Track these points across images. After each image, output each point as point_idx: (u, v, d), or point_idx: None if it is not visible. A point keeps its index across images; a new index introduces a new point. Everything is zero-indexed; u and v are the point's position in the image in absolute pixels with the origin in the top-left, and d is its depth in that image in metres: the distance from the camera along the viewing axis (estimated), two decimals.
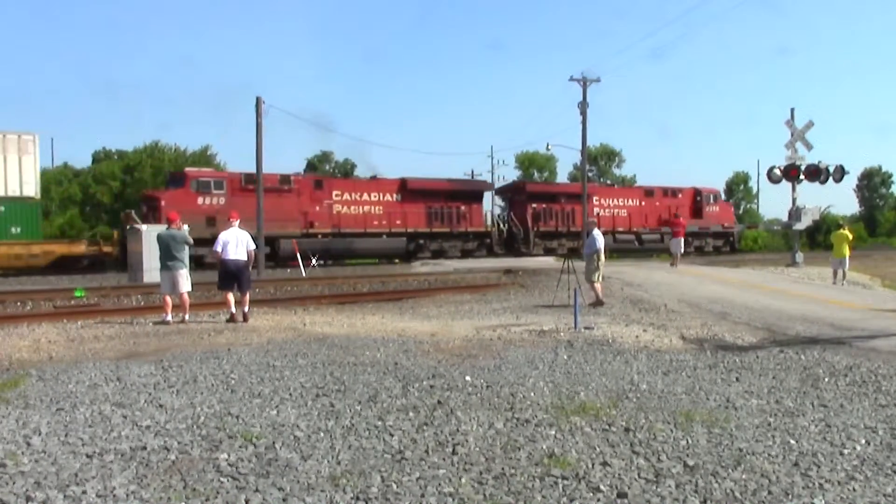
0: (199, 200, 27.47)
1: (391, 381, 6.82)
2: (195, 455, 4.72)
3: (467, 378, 6.93)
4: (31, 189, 24.38)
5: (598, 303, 13.52)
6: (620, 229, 38.47)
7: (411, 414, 5.68)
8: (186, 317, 11.64)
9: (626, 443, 5.00)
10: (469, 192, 34.45)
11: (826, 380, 7.18)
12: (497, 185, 42.30)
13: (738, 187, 74.64)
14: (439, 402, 6.06)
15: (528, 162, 65.68)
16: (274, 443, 4.97)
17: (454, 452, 4.78)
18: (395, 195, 31.83)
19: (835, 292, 16.61)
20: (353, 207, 30.92)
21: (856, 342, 9.55)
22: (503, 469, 4.47)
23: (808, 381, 7.19)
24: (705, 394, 6.64)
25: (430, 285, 18.31)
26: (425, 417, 5.59)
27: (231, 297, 11.53)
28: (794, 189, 25.58)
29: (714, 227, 41.15)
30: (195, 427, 5.36)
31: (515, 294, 16.09)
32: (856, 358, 8.36)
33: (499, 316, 12.21)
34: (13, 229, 24.18)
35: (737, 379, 7.30)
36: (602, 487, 4.20)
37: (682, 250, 24.14)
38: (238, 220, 11.88)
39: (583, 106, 34.29)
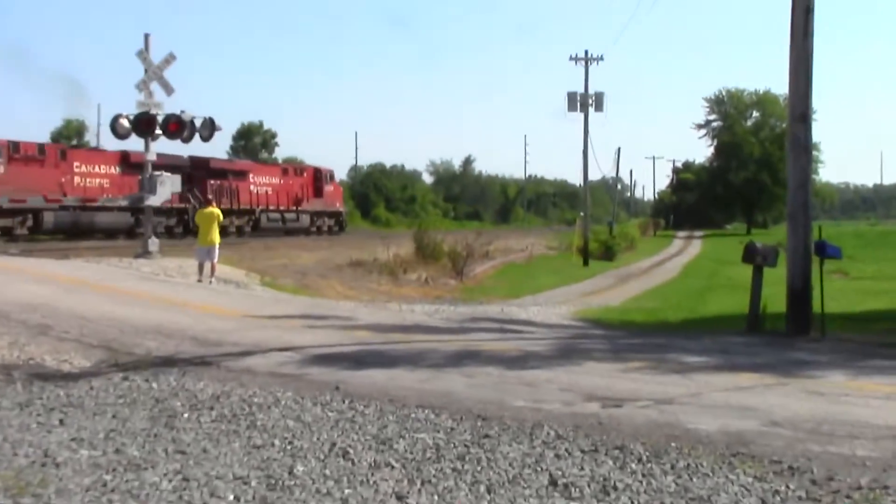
0: None
1: None
2: None
3: None
4: None
5: None
6: (272, 208, 51.01)
7: None
8: None
9: None
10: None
11: (185, 416, 7.95)
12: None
13: None
14: None
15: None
16: None
17: None
18: (117, 167, 41.80)
19: (201, 293, 18.33)
20: (90, 180, 40.68)
21: (226, 362, 10.70)
22: None
23: (161, 418, 7.84)
24: (11, 446, 6.64)
25: None
26: None
27: None
28: (147, 147, 25.74)
29: (331, 207, 56.01)
30: None
31: None
32: (225, 383, 9.41)
33: None
34: None
35: (61, 422, 7.52)
36: None
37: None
38: None
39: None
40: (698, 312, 20.49)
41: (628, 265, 46.51)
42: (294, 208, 52.77)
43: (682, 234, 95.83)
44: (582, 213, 53.28)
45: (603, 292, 28.17)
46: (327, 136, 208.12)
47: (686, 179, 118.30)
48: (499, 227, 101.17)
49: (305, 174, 55.08)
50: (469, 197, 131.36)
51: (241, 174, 49.86)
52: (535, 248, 51.81)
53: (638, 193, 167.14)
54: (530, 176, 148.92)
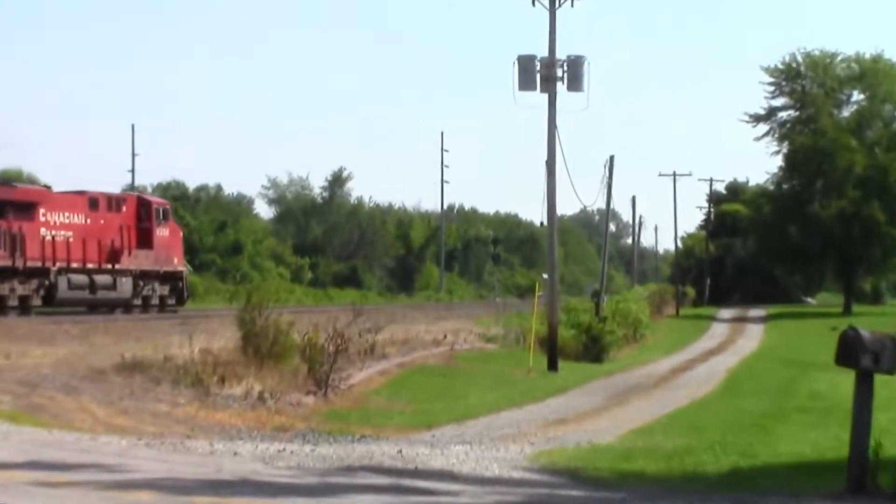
0: None
1: None
2: None
3: None
4: None
5: None
6: (74, 265, 43.14)
7: None
8: None
9: None
10: None
11: None
12: None
13: None
14: None
15: None
16: None
17: None
18: None
19: None
20: None
21: None
22: None
23: None
24: None
25: None
26: None
27: None
28: None
29: (165, 265, 48.29)
30: None
31: None
32: None
33: None
34: None
35: None
36: None
37: None
38: None
39: None
40: (758, 457, 16.95)
41: (630, 369, 40.69)
42: (109, 266, 45.07)
43: (726, 312, 78.38)
44: (545, 276, 44.96)
45: (585, 419, 25.01)
46: (80, 137, 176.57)
47: (733, 214, 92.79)
48: (395, 298, 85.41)
49: (125, 208, 47.19)
50: (340, 245, 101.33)
51: (26, 208, 42.26)
52: (462, 339, 44.44)
53: (647, 240, 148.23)
54: (452, 207, 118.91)
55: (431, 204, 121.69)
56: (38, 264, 42.00)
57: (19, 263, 40.98)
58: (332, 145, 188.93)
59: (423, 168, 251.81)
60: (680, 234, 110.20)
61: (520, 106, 41.51)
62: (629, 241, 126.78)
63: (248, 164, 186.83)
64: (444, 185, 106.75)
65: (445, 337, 42.67)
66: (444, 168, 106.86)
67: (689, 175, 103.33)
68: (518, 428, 22.56)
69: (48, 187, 51.42)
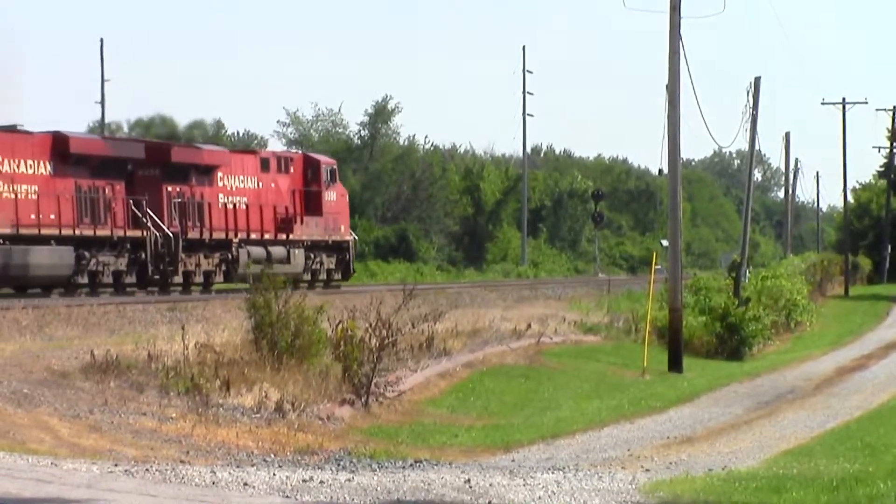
0: None
1: None
2: None
3: None
4: None
5: None
6: (253, 236, 51.20)
7: None
8: None
9: None
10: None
11: None
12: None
13: None
14: None
15: None
16: None
17: None
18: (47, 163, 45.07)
19: None
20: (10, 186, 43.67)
21: None
22: None
23: None
24: None
25: None
26: None
27: None
28: None
29: (334, 234, 56.09)
30: None
31: None
32: None
33: None
34: None
35: None
36: None
37: None
38: None
39: None
40: None
41: (781, 369, 40.83)
42: (283, 237, 52.49)
43: None
44: (665, 243, 46.07)
45: (719, 436, 25.17)
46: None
47: None
48: (460, 275, 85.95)
49: (293, 169, 54.36)
50: (385, 201, 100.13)
51: (207, 172, 50.17)
52: (552, 329, 44.33)
53: (805, 193, 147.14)
54: (538, 151, 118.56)
55: (510, 147, 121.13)
56: (221, 234, 49.59)
57: (205, 234, 48.74)
58: (373, 68, 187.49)
59: (498, 98, 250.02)
60: (851, 184, 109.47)
61: (629, 9, 41.42)
62: (780, 194, 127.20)
63: (259, 94, 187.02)
64: (527, 119, 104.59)
65: (529, 326, 42.39)
66: (527, 97, 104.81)
67: (865, 103, 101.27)
68: (628, 449, 22.62)
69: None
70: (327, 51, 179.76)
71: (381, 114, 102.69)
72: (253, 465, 18.52)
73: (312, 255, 54.01)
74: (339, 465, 19.64)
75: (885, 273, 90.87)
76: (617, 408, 29.43)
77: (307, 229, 54.02)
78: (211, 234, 49.32)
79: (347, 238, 57.84)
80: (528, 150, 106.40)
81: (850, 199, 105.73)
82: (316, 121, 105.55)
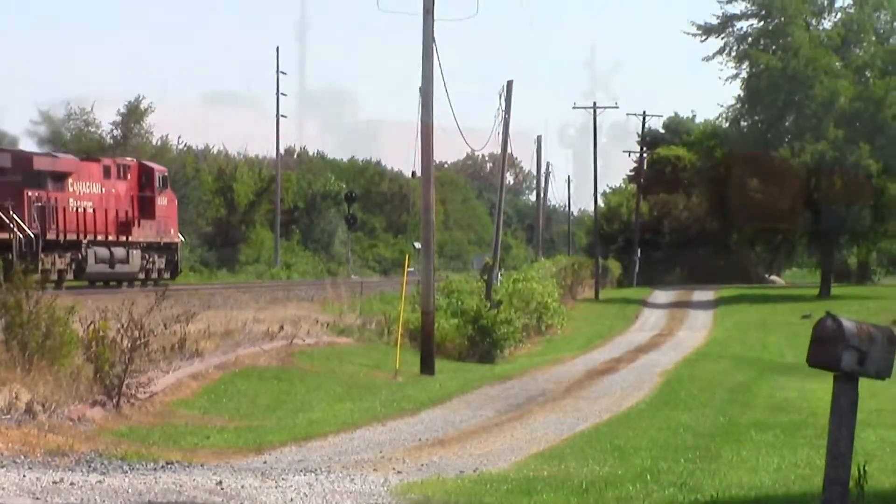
0: None
1: None
2: None
3: None
4: None
5: None
6: (99, 238, 54.99)
7: None
8: None
9: None
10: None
11: None
12: None
13: None
14: None
15: None
16: None
17: None
18: None
19: None
20: None
21: None
22: None
23: None
24: None
25: None
26: None
27: None
28: None
29: (165, 237, 60.38)
30: None
31: None
32: None
33: None
34: None
35: None
36: None
37: None
38: None
39: None
40: (702, 490, 16.59)
41: (532, 372, 40.37)
42: (123, 239, 56.71)
43: (662, 295, 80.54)
44: (418, 246, 46.60)
45: (470, 439, 24.78)
46: None
47: (673, 161, 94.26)
48: (213, 275, 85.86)
49: (129, 176, 58.90)
50: None
51: (60, 179, 54.10)
52: (305, 331, 44.03)
53: (556, 196, 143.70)
54: (291, 152, 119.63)
55: (262, 148, 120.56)
56: (73, 236, 53.08)
57: (59, 235, 51.99)
58: (125, 65, 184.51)
59: (247, 96, 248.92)
60: (602, 188, 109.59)
61: (383, 10, 41.65)
62: (532, 197, 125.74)
63: (10, 92, 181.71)
64: (280, 119, 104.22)
65: (282, 328, 42.02)
66: (280, 96, 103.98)
67: (615, 107, 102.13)
68: (380, 451, 22.34)
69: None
70: (81, 48, 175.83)
71: (133, 113, 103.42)
72: (3, 467, 17.82)
73: (147, 256, 58.63)
74: (90, 466, 19.05)
75: (635, 277, 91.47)
76: (369, 410, 29.36)
77: (143, 232, 58.31)
78: (65, 236, 53.01)
79: (176, 240, 63.17)
80: (282, 150, 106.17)
81: (601, 203, 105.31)
82: (68, 119, 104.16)
